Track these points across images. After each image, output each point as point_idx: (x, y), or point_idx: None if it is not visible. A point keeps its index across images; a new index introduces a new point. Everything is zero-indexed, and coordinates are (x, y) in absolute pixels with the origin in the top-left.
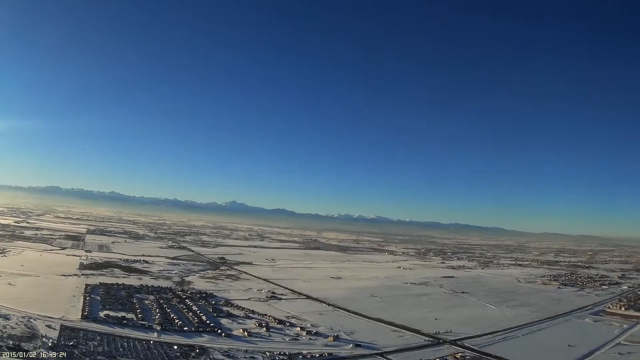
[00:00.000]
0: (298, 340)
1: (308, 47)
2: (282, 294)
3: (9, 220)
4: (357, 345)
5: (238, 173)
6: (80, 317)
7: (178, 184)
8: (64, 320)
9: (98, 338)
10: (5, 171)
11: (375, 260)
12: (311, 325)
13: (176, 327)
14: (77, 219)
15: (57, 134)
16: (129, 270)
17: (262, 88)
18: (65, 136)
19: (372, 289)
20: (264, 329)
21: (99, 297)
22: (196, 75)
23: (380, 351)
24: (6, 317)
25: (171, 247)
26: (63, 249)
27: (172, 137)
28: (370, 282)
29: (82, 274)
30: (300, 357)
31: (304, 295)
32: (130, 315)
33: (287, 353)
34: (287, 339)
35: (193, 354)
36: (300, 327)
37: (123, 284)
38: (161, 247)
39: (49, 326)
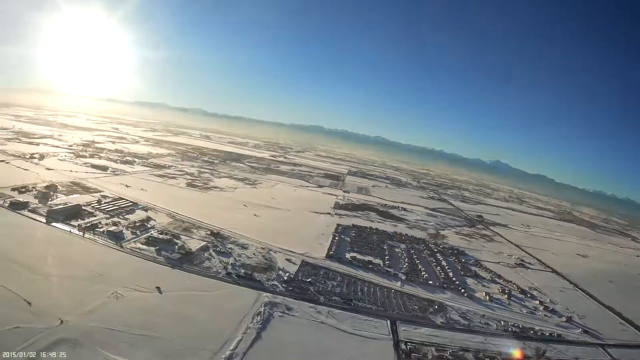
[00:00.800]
0: (534, 314)
1: None
2: (530, 263)
3: (265, 154)
4: (585, 332)
5: (506, 132)
6: (324, 255)
7: (445, 135)
8: (307, 256)
9: (339, 278)
10: (266, 107)
11: (619, 244)
12: (550, 301)
13: (421, 280)
14: (338, 159)
15: (322, 75)
16: (385, 215)
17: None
18: (328, 78)
19: (611, 274)
20: (506, 296)
21: (348, 239)
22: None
23: (602, 342)
24: (244, 247)
25: (431, 198)
26: (320, 187)
27: (447, 86)
28: (611, 266)
29: (336, 214)
30: (531, 332)
31: (550, 268)
32: (377, 261)
33: (520, 326)
34: (525, 311)
35: (431, 309)
36: (539, 301)
37: (376, 229)
38: (422, 197)
39: (288, 260)
